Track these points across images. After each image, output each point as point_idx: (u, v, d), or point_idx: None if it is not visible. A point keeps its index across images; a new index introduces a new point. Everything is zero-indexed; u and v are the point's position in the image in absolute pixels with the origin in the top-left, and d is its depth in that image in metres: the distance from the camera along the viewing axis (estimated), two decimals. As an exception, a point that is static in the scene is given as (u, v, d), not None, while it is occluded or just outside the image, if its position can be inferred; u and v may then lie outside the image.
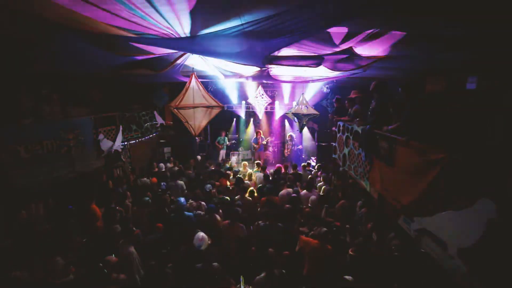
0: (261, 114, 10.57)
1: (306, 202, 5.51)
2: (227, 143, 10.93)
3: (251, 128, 12.03)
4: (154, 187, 6.29)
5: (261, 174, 7.07)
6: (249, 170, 7.79)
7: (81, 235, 4.27)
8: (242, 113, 11.26)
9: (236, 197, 5.63)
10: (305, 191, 5.79)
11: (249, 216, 5.06)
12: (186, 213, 4.71)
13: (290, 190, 5.87)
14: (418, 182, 2.90)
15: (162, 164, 7.87)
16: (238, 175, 7.08)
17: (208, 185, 6.00)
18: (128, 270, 3.62)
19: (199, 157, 9.23)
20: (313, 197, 5.49)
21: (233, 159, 10.77)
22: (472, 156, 2.35)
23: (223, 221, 4.59)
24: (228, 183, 6.76)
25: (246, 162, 9.13)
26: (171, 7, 2.31)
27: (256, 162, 8.47)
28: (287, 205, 5.10)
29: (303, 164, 8.43)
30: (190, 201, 5.34)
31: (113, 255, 3.64)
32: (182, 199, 4.94)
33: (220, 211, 5.02)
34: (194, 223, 4.57)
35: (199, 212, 5.00)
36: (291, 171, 7.38)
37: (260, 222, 4.56)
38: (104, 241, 4.15)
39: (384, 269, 3.45)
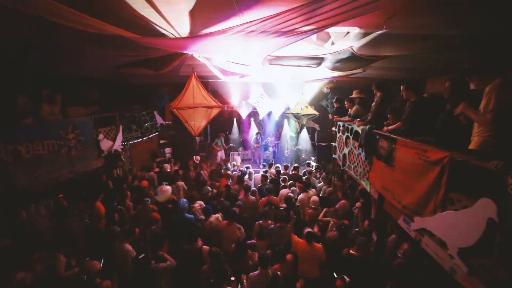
0: (262, 115, 10.56)
1: (308, 202, 5.50)
2: (224, 145, 10.96)
3: (251, 128, 12.02)
4: (146, 189, 6.12)
5: (259, 174, 7.06)
6: (251, 170, 7.79)
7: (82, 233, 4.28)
8: (242, 113, 11.27)
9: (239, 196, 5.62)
10: (304, 192, 5.79)
11: (250, 216, 5.05)
12: (186, 215, 4.69)
13: (288, 190, 5.87)
14: (418, 182, 2.90)
15: (167, 165, 7.84)
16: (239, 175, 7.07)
17: (207, 187, 6.01)
18: (128, 268, 3.64)
19: (198, 157, 9.24)
20: (314, 197, 5.48)
21: (235, 158, 10.79)
22: (472, 155, 2.35)
23: (223, 222, 4.57)
24: (228, 183, 6.74)
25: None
26: (171, 7, 2.31)
27: (269, 162, 8.59)
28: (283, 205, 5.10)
29: (285, 164, 8.33)
30: (197, 203, 5.31)
31: (101, 262, 3.62)
32: (183, 201, 4.91)
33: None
34: (194, 225, 4.57)
35: (198, 214, 4.95)
36: (286, 172, 7.38)
37: (261, 222, 4.54)
38: (105, 241, 4.15)
39: (384, 271, 3.45)
